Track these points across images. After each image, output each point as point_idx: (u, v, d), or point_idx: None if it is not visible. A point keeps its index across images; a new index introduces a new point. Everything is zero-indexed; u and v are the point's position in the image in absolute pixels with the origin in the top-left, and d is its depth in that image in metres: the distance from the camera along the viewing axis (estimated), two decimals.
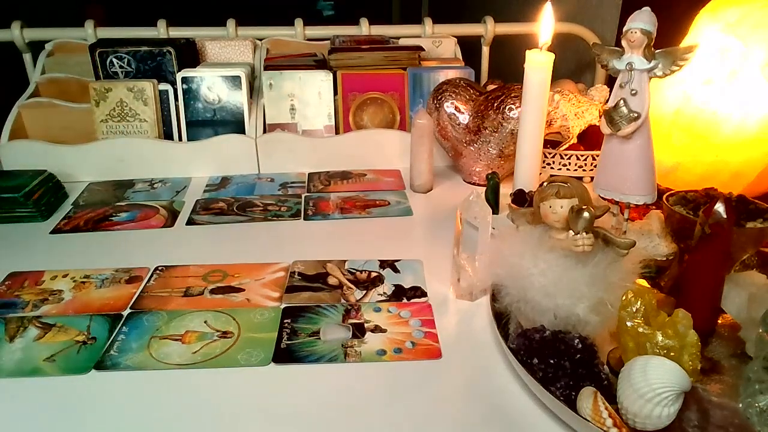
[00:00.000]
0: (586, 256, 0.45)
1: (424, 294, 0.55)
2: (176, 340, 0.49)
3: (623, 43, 0.52)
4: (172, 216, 0.71)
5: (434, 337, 0.49)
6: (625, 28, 0.51)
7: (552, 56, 0.63)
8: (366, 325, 0.51)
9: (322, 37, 0.97)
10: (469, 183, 0.80)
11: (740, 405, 0.40)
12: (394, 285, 0.57)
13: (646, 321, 0.42)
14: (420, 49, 0.88)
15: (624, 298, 0.43)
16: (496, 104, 0.73)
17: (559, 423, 0.41)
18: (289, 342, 0.49)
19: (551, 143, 0.76)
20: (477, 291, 0.54)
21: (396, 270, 0.59)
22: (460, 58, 0.95)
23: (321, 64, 0.86)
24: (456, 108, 0.76)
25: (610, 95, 0.54)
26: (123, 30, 0.95)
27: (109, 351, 0.48)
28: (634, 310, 0.42)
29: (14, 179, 0.71)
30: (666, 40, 0.53)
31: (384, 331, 0.50)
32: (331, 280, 0.57)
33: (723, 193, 0.52)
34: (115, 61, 0.82)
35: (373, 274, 0.58)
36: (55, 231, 0.67)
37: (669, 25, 0.58)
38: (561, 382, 0.41)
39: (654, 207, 0.61)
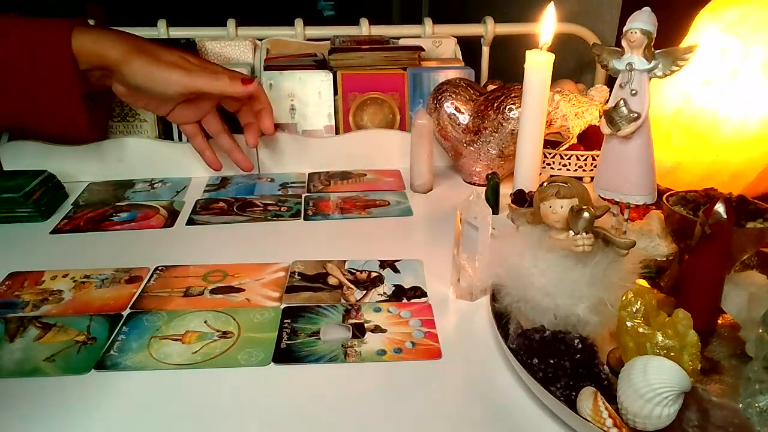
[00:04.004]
0: (586, 256, 0.45)
1: (424, 294, 0.55)
2: (176, 340, 0.49)
3: (623, 43, 0.52)
4: (172, 216, 0.71)
5: (434, 337, 0.49)
6: (625, 29, 0.51)
7: (552, 56, 0.63)
8: (366, 325, 0.51)
9: (323, 37, 0.97)
10: (469, 183, 0.80)
11: (740, 405, 0.40)
12: (394, 285, 0.57)
13: (646, 321, 0.42)
14: (420, 49, 0.88)
15: (624, 298, 0.43)
16: (496, 104, 0.73)
17: (559, 423, 0.41)
18: (289, 342, 0.49)
19: (551, 143, 0.76)
20: (477, 291, 0.54)
21: (396, 270, 0.59)
22: (460, 58, 0.95)
23: (321, 64, 0.86)
24: (456, 108, 0.76)
25: (610, 95, 0.55)
26: (123, 30, 0.94)
27: (109, 351, 0.48)
28: (634, 310, 0.42)
29: (14, 179, 0.71)
30: (666, 40, 0.53)
31: (384, 331, 0.50)
32: (331, 280, 0.57)
33: (723, 193, 0.52)
34: None
35: (373, 274, 0.58)
36: (55, 231, 0.67)
37: (669, 25, 0.58)
38: (561, 382, 0.41)
39: (654, 207, 0.61)
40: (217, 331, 0.50)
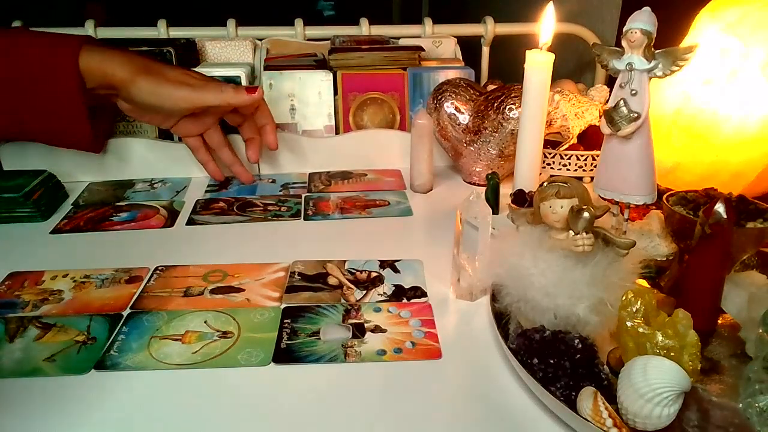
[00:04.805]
0: (586, 256, 0.45)
1: (424, 294, 0.55)
2: (176, 340, 0.49)
3: (623, 43, 0.51)
4: (172, 216, 0.71)
5: (434, 337, 0.49)
6: (625, 29, 0.51)
7: (552, 56, 0.63)
8: (366, 325, 0.51)
9: (322, 37, 0.97)
10: (469, 183, 0.80)
11: (740, 405, 0.40)
12: (394, 285, 0.57)
13: (646, 321, 0.42)
14: (420, 49, 0.88)
15: (624, 298, 0.43)
16: (496, 104, 0.73)
17: (559, 423, 0.41)
18: (289, 342, 0.49)
19: (551, 143, 0.76)
20: (477, 291, 0.54)
21: (396, 270, 0.59)
22: (460, 58, 0.95)
23: (321, 64, 0.86)
24: (456, 108, 0.76)
25: (610, 95, 0.55)
26: (123, 30, 0.95)
27: (109, 351, 0.48)
28: (634, 310, 0.42)
29: (14, 179, 0.71)
30: (666, 40, 0.53)
31: (384, 331, 0.50)
32: (331, 280, 0.57)
33: (723, 193, 0.52)
34: None
35: (373, 274, 0.58)
36: (55, 231, 0.67)
37: (669, 25, 0.58)
38: (561, 382, 0.41)
39: (654, 207, 0.61)
40: (217, 331, 0.50)
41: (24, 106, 0.65)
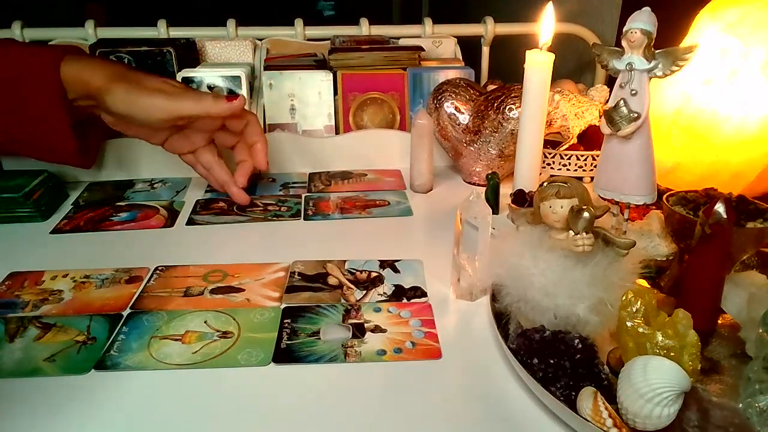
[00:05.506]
0: (586, 256, 0.45)
1: (424, 294, 0.55)
2: (176, 340, 0.49)
3: (623, 43, 0.52)
4: (172, 216, 0.71)
5: (434, 337, 0.49)
6: (625, 29, 0.51)
7: (552, 56, 0.63)
8: (366, 325, 0.51)
9: (322, 37, 0.97)
10: (469, 183, 0.80)
11: (740, 405, 0.40)
12: (394, 285, 0.57)
13: (646, 321, 0.42)
14: (420, 49, 0.88)
15: (624, 298, 0.43)
16: (496, 104, 0.73)
17: (559, 423, 0.41)
18: (289, 342, 0.49)
19: (551, 143, 0.76)
20: (477, 291, 0.54)
21: (396, 270, 0.59)
22: (460, 58, 0.95)
23: (321, 64, 0.86)
24: (456, 108, 0.76)
25: (610, 95, 0.55)
26: (123, 30, 0.95)
27: (109, 351, 0.48)
28: (634, 310, 0.42)
29: (14, 179, 0.71)
30: (666, 40, 0.53)
31: (384, 331, 0.50)
32: (331, 280, 0.57)
33: (723, 193, 0.52)
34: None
35: (373, 274, 0.58)
36: (55, 231, 0.67)
37: (669, 25, 0.58)
38: (561, 382, 0.41)
39: (654, 207, 0.61)
40: (217, 331, 0.50)
41: (6, 117, 0.64)
